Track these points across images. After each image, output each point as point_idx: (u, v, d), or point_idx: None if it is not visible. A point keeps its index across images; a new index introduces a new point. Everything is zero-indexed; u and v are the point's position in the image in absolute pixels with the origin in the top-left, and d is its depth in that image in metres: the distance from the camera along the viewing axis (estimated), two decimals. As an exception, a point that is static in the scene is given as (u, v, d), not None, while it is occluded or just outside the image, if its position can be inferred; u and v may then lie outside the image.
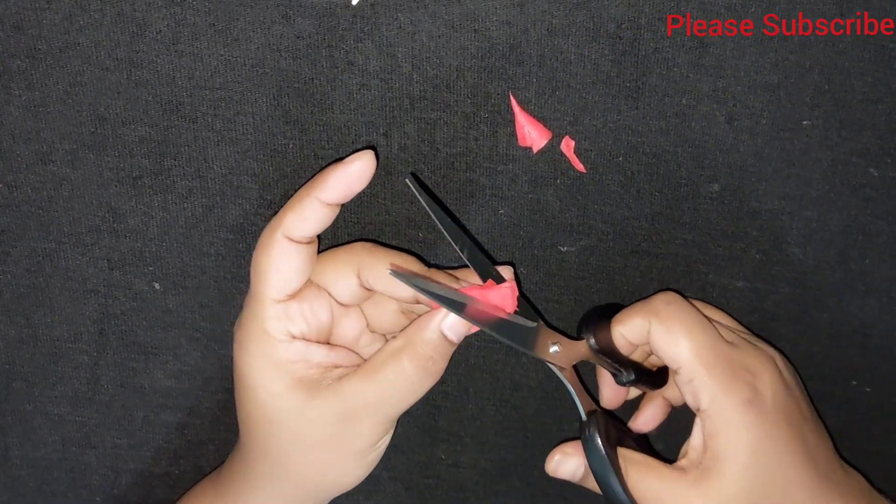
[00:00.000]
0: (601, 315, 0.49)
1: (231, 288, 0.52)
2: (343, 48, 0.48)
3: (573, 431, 0.56)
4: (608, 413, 0.50)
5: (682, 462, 0.45)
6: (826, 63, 0.49)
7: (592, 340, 0.47)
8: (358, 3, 0.48)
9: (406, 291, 0.44)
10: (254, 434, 0.45)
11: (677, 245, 0.52)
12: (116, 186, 0.50)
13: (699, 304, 0.49)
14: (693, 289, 0.53)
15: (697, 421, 0.45)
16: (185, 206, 0.51)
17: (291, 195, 0.50)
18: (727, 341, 0.45)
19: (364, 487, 0.56)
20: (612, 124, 0.50)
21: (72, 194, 0.50)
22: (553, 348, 0.46)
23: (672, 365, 0.45)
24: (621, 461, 0.45)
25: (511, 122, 0.50)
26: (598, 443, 0.45)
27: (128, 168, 0.50)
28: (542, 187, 0.51)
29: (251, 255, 0.51)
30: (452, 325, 0.43)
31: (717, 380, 0.43)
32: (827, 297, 0.54)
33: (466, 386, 0.55)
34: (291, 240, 0.43)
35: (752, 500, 0.43)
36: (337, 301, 0.46)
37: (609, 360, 0.48)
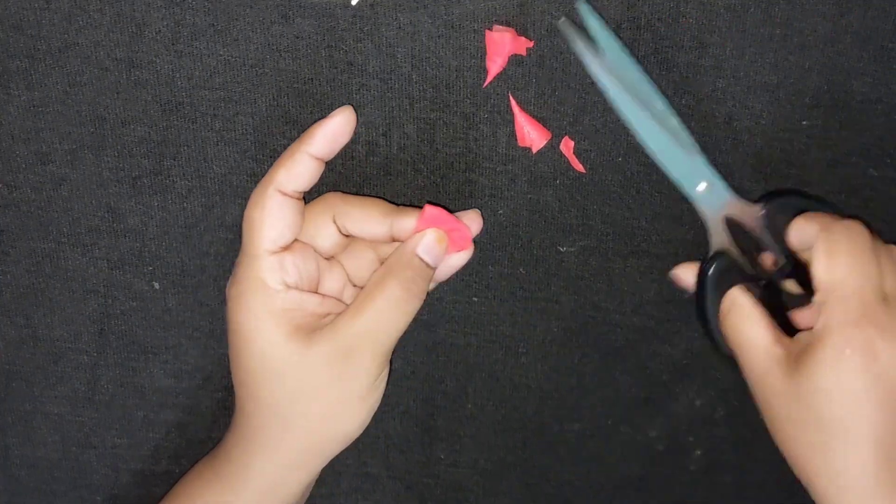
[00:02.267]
0: (795, 204, 0.48)
1: (231, 287, 0.52)
2: (343, 48, 0.48)
3: (573, 431, 0.56)
4: (768, 284, 0.48)
5: (784, 340, 0.45)
6: (825, 63, 0.49)
7: (764, 212, 0.48)
8: (357, 3, 0.48)
9: (381, 229, 0.46)
10: (254, 390, 0.45)
11: (677, 245, 0.52)
12: (116, 186, 0.50)
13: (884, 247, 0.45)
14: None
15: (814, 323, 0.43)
16: (185, 205, 0.51)
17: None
18: (884, 296, 0.43)
19: (363, 487, 0.57)
20: (611, 124, 0.50)
21: (71, 194, 0.50)
22: (701, 185, 0.48)
23: (817, 287, 0.43)
24: (728, 302, 0.46)
25: (510, 122, 0.50)
26: (705, 276, 0.48)
27: (127, 168, 0.50)
28: (541, 187, 0.51)
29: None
30: (427, 248, 0.46)
31: (843, 322, 0.42)
32: (826, 298, 0.54)
33: (465, 385, 0.55)
34: (284, 194, 0.45)
35: (835, 409, 0.42)
36: (320, 253, 0.47)
37: (764, 239, 0.47)
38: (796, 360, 0.43)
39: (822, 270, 0.43)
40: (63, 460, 0.55)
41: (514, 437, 0.56)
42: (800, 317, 0.48)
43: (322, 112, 0.49)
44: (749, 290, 0.47)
